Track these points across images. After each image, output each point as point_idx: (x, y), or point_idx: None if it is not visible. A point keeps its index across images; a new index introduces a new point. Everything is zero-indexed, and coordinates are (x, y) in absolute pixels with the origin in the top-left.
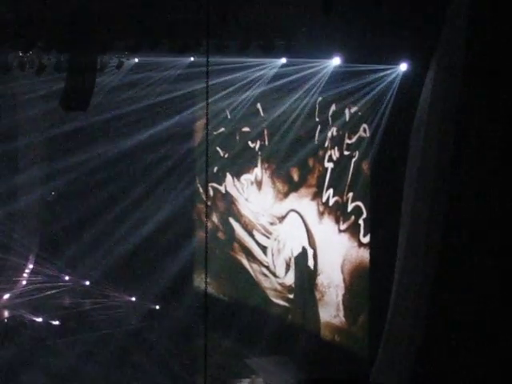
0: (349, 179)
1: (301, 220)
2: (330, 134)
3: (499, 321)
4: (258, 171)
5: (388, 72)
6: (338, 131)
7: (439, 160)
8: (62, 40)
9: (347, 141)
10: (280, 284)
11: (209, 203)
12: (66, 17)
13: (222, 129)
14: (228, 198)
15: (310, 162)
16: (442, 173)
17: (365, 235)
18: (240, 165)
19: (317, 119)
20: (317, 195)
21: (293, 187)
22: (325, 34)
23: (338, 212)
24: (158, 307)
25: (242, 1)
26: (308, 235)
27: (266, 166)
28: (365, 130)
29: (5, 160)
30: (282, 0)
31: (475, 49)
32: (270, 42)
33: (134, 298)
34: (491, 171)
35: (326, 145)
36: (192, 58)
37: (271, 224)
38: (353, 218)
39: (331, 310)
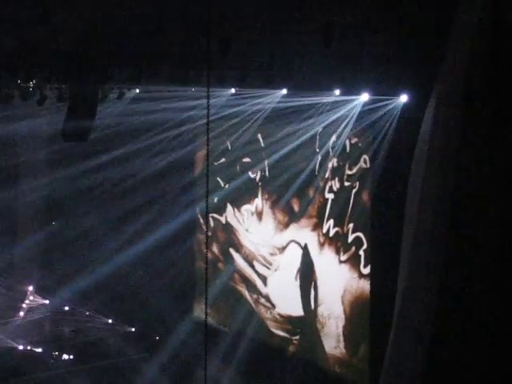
0: (349, 210)
1: (301, 251)
2: (330, 165)
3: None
4: (258, 202)
5: (388, 103)
6: (338, 162)
7: (440, 191)
8: (62, 70)
9: (348, 172)
10: (280, 315)
11: (209, 233)
12: (66, 47)
13: (223, 159)
14: (228, 229)
15: (311, 193)
16: (443, 203)
17: (365, 266)
18: (240, 195)
19: (317, 150)
20: (317, 226)
21: (293, 218)
22: (325, 66)
23: (339, 243)
24: (157, 338)
25: (242, 32)
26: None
27: (267, 196)
28: (365, 161)
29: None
30: (283, 32)
31: (476, 79)
32: (269, 72)
33: (133, 329)
34: (494, 200)
35: (327, 176)
36: (193, 89)
37: (271, 255)
38: (353, 248)
39: (332, 340)
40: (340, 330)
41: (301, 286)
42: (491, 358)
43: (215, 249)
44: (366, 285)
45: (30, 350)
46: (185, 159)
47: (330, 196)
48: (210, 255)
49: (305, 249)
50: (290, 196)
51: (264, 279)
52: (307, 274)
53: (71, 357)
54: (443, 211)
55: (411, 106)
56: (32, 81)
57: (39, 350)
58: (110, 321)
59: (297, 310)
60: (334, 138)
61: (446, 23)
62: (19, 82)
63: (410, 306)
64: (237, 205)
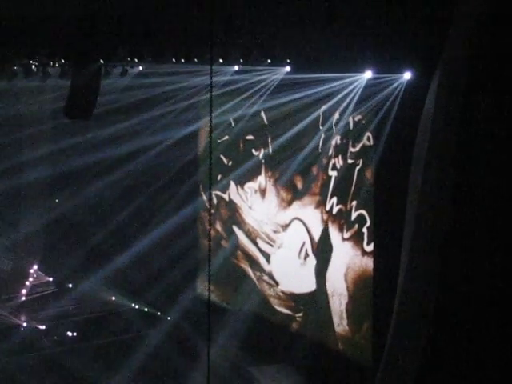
0: (352, 187)
1: (304, 228)
2: (333, 143)
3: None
4: (261, 179)
5: (392, 80)
6: (341, 139)
7: (443, 168)
8: (65, 48)
9: (351, 149)
10: (283, 292)
11: (212, 211)
12: (69, 25)
13: (226, 137)
14: (232, 206)
15: (314, 171)
16: (445, 181)
17: (368, 244)
18: (244, 173)
19: (320, 127)
20: (320, 203)
21: (296, 195)
22: (328, 43)
23: (342, 220)
24: (160, 315)
25: (245, 9)
26: (312, 243)
27: (270, 174)
28: (368, 139)
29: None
30: (286, 8)
31: (480, 57)
32: (272, 49)
33: (136, 306)
34: (496, 178)
35: (330, 153)
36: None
37: (275, 232)
38: (356, 226)
39: (335, 318)
40: (343, 307)
41: (304, 263)
42: (492, 336)
43: (218, 226)
44: (369, 262)
45: (34, 327)
46: (188, 136)
47: (333, 173)
48: (213, 232)
49: (308, 226)
50: (293, 173)
51: (267, 256)
52: (310, 252)
53: (75, 334)
54: (445, 188)
55: (415, 84)
56: (35, 58)
57: (43, 327)
58: (113, 298)
59: (300, 288)
60: (337, 115)
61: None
62: (22, 59)
63: (412, 283)
64: (240, 182)
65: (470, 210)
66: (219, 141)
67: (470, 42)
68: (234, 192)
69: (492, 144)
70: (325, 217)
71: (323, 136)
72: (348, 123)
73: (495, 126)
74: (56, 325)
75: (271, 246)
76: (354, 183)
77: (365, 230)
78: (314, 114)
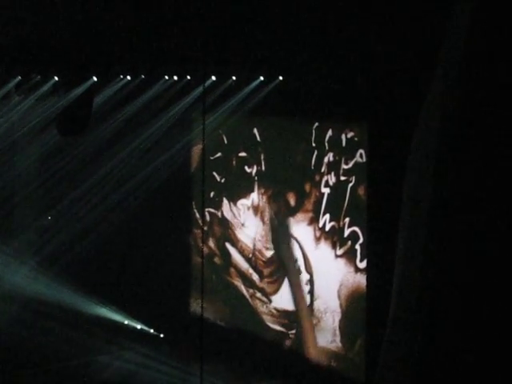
0: (345, 204)
1: (297, 245)
2: (326, 160)
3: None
4: (254, 196)
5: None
6: (334, 156)
7: (437, 185)
8: (59, 64)
9: (344, 166)
10: (276, 309)
11: (205, 228)
12: (63, 42)
13: (219, 154)
14: (224, 223)
15: (307, 188)
16: (439, 197)
17: (361, 260)
18: (236, 190)
19: (313, 144)
20: (313, 220)
21: (289, 212)
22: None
23: (335, 237)
24: (152, 332)
25: (237, 27)
26: (304, 260)
27: (263, 191)
28: (361, 156)
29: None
30: (277, 20)
31: (474, 74)
32: (264, 63)
33: (126, 322)
34: (494, 196)
35: (323, 170)
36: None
37: (268, 249)
38: (349, 243)
39: (328, 335)
40: (336, 324)
41: (297, 279)
42: (491, 359)
43: (211, 243)
44: (362, 279)
45: None
46: (180, 153)
47: (326, 190)
48: (206, 250)
49: (301, 243)
50: (286, 190)
51: (260, 273)
52: (303, 268)
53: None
54: (439, 204)
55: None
56: (27, 75)
57: None
58: (105, 314)
59: (293, 305)
60: (330, 132)
61: None
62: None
63: (405, 300)
64: (233, 199)
65: (464, 223)
66: (212, 158)
67: (463, 59)
68: (226, 209)
69: (489, 165)
70: (318, 234)
71: (316, 153)
72: (341, 140)
73: (492, 144)
74: None
75: (264, 262)
76: (346, 200)
77: (358, 246)
78: (307, 131)
